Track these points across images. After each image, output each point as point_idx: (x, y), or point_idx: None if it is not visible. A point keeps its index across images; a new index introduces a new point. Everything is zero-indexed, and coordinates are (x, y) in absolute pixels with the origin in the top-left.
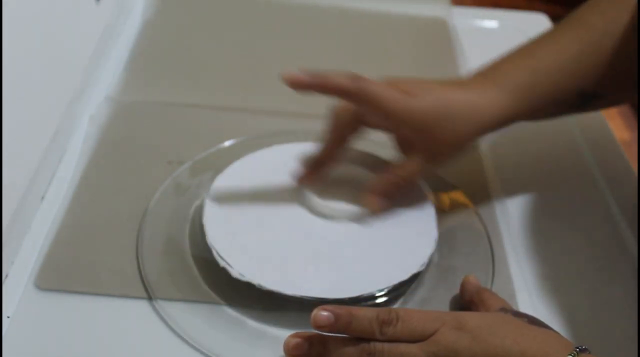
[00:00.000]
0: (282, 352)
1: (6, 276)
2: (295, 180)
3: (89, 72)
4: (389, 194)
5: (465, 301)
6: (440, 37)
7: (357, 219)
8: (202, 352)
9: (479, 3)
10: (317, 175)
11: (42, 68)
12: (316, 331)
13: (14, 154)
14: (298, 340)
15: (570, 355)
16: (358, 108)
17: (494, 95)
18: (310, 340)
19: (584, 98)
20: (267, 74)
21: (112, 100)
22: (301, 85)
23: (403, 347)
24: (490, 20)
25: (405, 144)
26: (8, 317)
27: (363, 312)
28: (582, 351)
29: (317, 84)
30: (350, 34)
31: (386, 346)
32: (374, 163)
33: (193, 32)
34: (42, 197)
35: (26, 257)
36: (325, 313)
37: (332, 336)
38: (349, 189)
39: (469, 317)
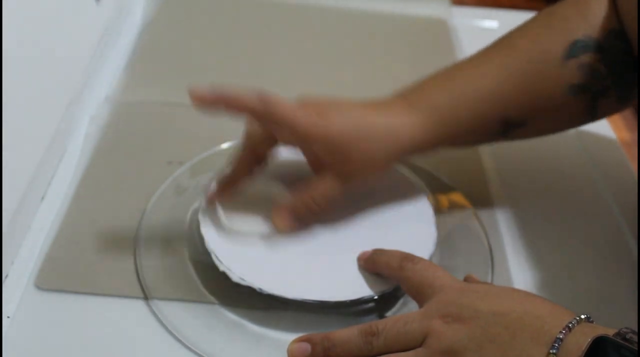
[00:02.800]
0: (281, 355)
1: (6, 276)
2: (205, 199)
3: (89, 72)
4: (299, 215)
5: None
6: (440, 37)
7: (266, 237)
8: (201, 355)
9: (479, 3)
10: (228, 193)
11: (42, 68)
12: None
13: (14, 154)
14: (300, 343)
15: (575, 319)
16: (266, 127)
17: (413, 119)
18: (311, 339)
19: (507, 126)
20: (267, 74)
21: (112, 100)
22: (205, 101)
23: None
24: (490, 20)
25: (316, 163)
26: (8, 317)
27: (341, 334)
28: (587, 319)
29: (222, 102)
30: (350, 34)
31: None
32: (295, 177)
33: (193, 32)
34: (42, 197)
35: (26, 257)
36: (300, 344)
37: (333, 331)
38: (264, 205)
39: (466, 295)
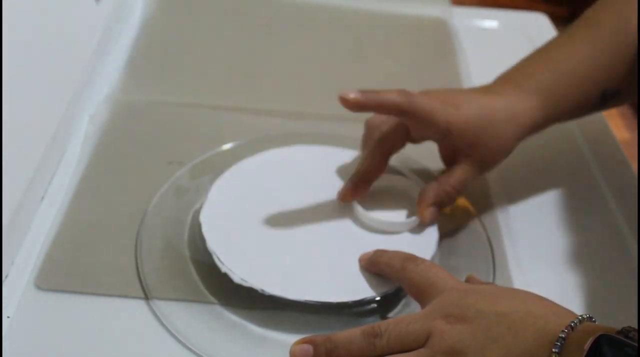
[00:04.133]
0: (282, 356)
1: (6, 276)
2: (339, 197)
3: (89, 72)
4: (441, 204)
5: None
6: (440, 37)
7: (408, 230)
8: (201, 356)
9: (479, 3)
10: (361, 191)
11: (42, 68)
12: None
13: (14, 154)
14: (302, 345)
15: (577, 319)
16: (407, 122)
17: (526, 100)
18: (313, 341)
19: (605, 97)
20: (267, 74)
21: (112, 100)
22: (357, 105)
23: None
24: (490, 20)
25: (450, 154)
26: (8, 317)
27: (343, 335)
28: (589, 319)
29: (373, 103)
30: (350, 34)
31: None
32: (413, 172)
33: (193, 31)
34: (42, 197)
35: (26, 257)
36: (302, 346)
37: (335, 332)
38: (394, 199)
39: (469, 296)
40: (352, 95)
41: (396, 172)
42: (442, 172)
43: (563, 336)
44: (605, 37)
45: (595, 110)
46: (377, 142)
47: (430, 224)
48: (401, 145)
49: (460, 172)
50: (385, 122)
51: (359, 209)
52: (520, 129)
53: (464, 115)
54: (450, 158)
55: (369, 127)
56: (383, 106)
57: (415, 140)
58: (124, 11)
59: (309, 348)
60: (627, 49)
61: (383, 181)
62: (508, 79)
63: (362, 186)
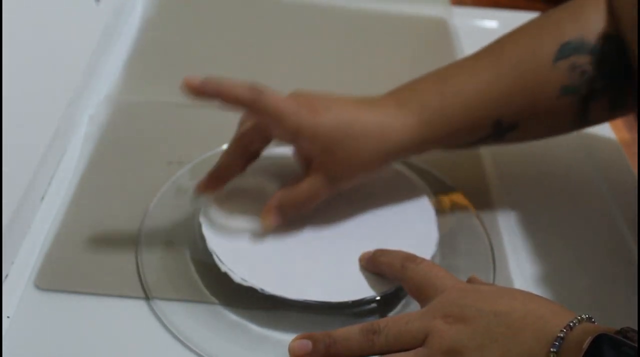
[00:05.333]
0: (282, 355)
1: (6, 276)
2: (194, 190)
3: (89, 72)
4: (285, 212)
5: None
6: (440, 37)
7: (254, 232)
8: (202, 356)
9: (479, 3)
10: (214, 187)
11: (42, 68)
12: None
13: (14, 154)
14: (301, 341)
15: (577, 319)
16: (257, 120)
17: (402, 118)
18: (313, 337)
19: (499, 128)
20: (267, 74)
21: (112, 100)
22: (198, 91)
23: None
24: (490, 20)
25: (303, 161)
26: (8, 317)
27: (342, 331)
28: (588, 319)
29: (212, 91)
30: (351, 34)
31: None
32: (286, 173)
33: (193, 31)
34: (42, 197)
35: (26, 257)
36: (301, 341)
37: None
38: (253, 200)
39: (468, 296)
40: (195, 81)
41: None
42: (294, 179)
43: (562, 335)
44: (505, 66)
45: (491, 142)
46: (234, 140)
47: (270, 230)
48: (261, 144)
49: (308, 183)
50: (249, 120)
51: (207, 206)
52: (386, 149)
53: (319, 122)
54: (305, 165)
55: (239, 124)
56: (225, 97)
57: (278, 140)
58: (124, 11)
59: (307, 343)
60: (528, 82)
61: (252, 181)
62: (393, 95)
63: (215, 183)
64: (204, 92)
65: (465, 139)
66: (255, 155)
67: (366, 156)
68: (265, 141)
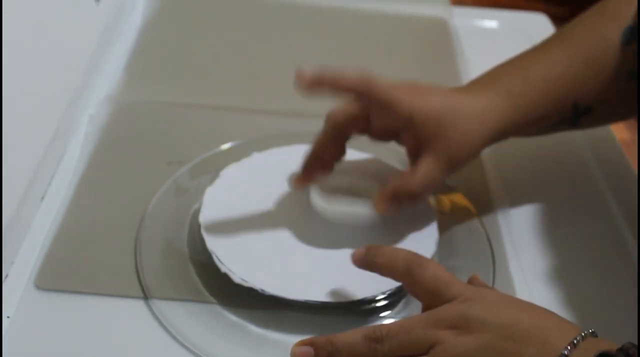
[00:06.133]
0: (282, 356)
1: (6, 276)
2: (290, 182)
3: (89, 72)
4: (400, 200)
5: None
6: (440, 37)
7: (360, 222)
8: (200, 356)
9: (479, 3)
10: (314, 173)
11: (42, 68)
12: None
13: (14, 154)
14: (303, 347)
15: (580, 335)
16: (369, 108)
17: (494, 102)
18: (314, 344)
19: (576, 111)
20: (267, 74)
21: (112, 100)
22: (309, 83)
23: None
24: (490, 20)
25: (414, 147)
26: (8, 317)
27: (345, 338)
28: (592, 334)
29: (328, 82)
30: (351, 34)
31: None
32: (384, 171)
33: (193, 32)
34: (42, 197)
35: (26, 257)
36: (303, 348)
37: (336, 334)
38: (355, 194)
39: (474, 306)
40: (307, 75)
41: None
42: (408, 169)
43: (566, 352)
44: (578, 50)
45: (567, 126)
46: (331, 122)
47: (385, 216)
48: (359, 130)
49: (424, 168)
50: (344, 110)
51: (316, 199)
52: (485, 129)
53: (429, 105)
54: (414, 152)
55: (326, 118)
56: (337, 86)
57: (377, 134)
58: (124, 11)
59: (309, 350)
60: (601, 67)
61: (350, 178)
62: (478, 82)
63: (314, 168)
64: (318, 84)
65: (547, 123)
66: (345, 142)
67: (471, 136)
68: (361, 130)
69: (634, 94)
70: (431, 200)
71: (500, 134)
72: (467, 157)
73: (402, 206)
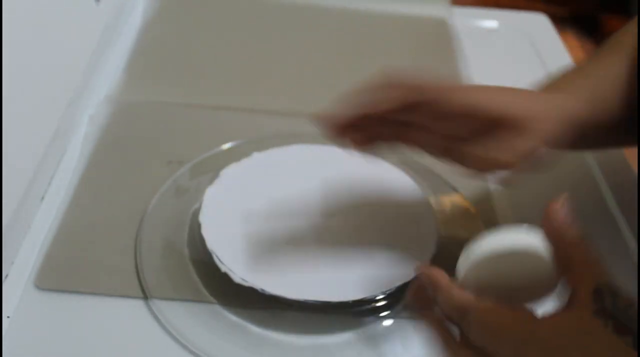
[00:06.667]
0: (282, 356)
1: (6, 276)
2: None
3: (89, 72)
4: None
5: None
6: (440, 37)
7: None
8: (200, 356)
9: (479, 3)
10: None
11: (42, 68)
12: None
13: (14, 154)
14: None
15: None
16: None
17: (565, 95)
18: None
19: (634, 120)
20: (267, 74)
21: (112, 100)
22: (340, 131)
23: None
24: (490, 20)
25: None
26: (8, 317)
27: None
28: None
29: (363, 118)
30: (350, 34)
31: None
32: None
33: (193, 32)
34: (42, 197)
35: (26, 257)
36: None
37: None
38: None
39: (560, 337)
40: (331, 121)
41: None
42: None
43: None
44: (629, 56)
45: (623, 135)
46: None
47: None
48: (394, 115)
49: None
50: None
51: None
52: (559, 118)
53: (490, 97)
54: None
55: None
56: (382, 109)
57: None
58: (124, 11)
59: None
60: None
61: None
62: (542, 87)
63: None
64: (345, 129)
65: (617, 121)
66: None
67: (545, 123)
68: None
69: None
70: (431, 200)
71: (578, 126)
72: (540, 143)
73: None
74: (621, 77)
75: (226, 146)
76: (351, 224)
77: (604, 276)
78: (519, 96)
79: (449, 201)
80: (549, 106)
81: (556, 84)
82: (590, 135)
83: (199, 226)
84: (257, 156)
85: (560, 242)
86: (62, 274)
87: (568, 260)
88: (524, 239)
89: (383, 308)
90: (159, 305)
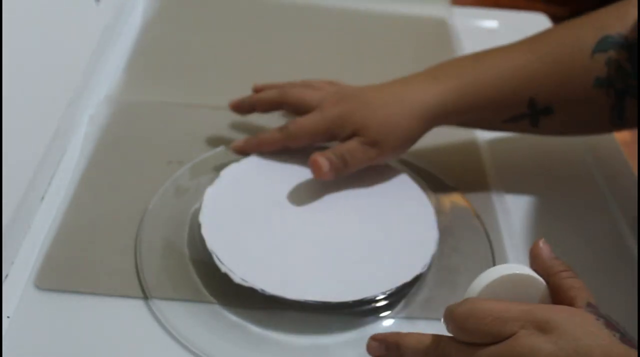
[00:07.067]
0: (282, 356)
1: (6, 276)
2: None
3: (89, 72)
4: (333, 165)
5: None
6: (440, 37)
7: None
8: (200, 356)
9: (479, 3)
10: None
11: (42, 68)
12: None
13: (14, 154)
14: (373, 343)
15: None
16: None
17: (437, 84)
18: (386, 341)
19: (533, 109)
20: (267, 74)
21: (112, 100)
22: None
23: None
24: (490, 20)
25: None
26: (8, 317)
27: (413, 344)
28: None
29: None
30: (350, 34)
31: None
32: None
33: (193, 32)
34: (42, 197)
35: (26, 257)
36: (373, 343)
37: (404, 334)
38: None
39: (557, 314)
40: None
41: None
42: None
43: None
44: (542, 50)
45: (527, 125)
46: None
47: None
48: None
49: (352, 143)
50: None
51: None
52: (417, 110)
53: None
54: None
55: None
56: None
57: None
58: (124, 11)
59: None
60: (563, 67)
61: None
62: (426, 70)
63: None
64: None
65: (503, 114)
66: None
67: (395, 120)
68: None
69: (603, 101)
70: (431, 199)
71: (441, 116)
72: (395, 141)
73: (336, 173)
74: (516, 66)
75: (226, 146)
76: (351, 224)
77: (592, 299)
78: (379, 114)
79: (449, 200)
80: (403, 124)
81: (447, 64)
82: (452, 118)
83: (199, 226)
84: (257, 156)
85: (550, 274)
86: (62, 274)
87: (558, 288)
88: (522, 268)
89: (383, 308)
90: (159, 305)
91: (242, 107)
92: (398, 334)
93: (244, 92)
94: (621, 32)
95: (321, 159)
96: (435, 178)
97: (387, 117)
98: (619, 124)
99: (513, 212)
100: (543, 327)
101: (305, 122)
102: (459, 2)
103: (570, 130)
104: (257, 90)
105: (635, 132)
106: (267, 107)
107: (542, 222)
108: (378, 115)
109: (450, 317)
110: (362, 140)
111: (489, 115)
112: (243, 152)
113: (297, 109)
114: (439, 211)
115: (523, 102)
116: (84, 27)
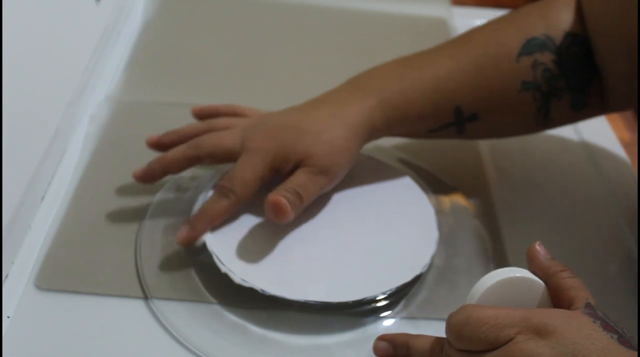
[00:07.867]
0: (282, 356)
1: (6, 276)
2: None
3: (89, 72)
4: (291, 202)
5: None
6: (440, 37)
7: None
8: (200, 356)
9: (479, 3)
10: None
11: (42, 68)
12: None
13: (14, 154)
14: (381, 343)
15: None
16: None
17: (361, 100)
18: (394, 341)
19: (460, 117)
20: (267, 74)
21: (112, 100)
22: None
23: None
24: None
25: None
26: (8, 317)
27: (420, 346)
28: None
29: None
30: (351, 34)
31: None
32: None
33: (193, 32)
34: (42, 197)
35: (26, 257)
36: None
37: (414, 335)
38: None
39: (553, 318)
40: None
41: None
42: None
43: None
44: (470, 56)
45: (453, 134)
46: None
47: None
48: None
49: (299, 176)
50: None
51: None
52: (350, 131)
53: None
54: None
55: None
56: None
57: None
58: (124, 11)
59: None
60: (489, 74)
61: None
62: (351, 82)
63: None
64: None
65: (429, 124)
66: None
67: (339, 144)
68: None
69: (529, 105)
70: (431, 200)
71: (371, 133)
72: (336, 162)
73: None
74: (440, 76)
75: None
76: (351, 224)
77: (591, 298)
78: (322, 141)
79: (449, 200)
80: (347, 146)
81: (368, 77)
82: (382, 133)
83: None
84: None
85: (548, 275)
86: (62, 274)
87: (557, 288)
88: (519, 271)
89: (383, 308)
90: (159, 305)
91: (152, 175)
92: (407, 334)
93: (243, 91)
94: (546, 33)
95: (281, 199)
96: (435, 178)
97: (330, 142)
98: (544, 125)
99: (513, 212)
100: (540, 332)
101: (245, 174)
102: (459, 2)
103: (496, 134)
104: (159, 145)
105: (635, 132)
106: (183, 165)
107: (542, 222)
108: (321, 142)
109: (447, 326)
110: (310, 170)
111: (415, 127)
112: (194, 240)
113: (216, 158)
114: (439, 211)
115: (449, 113)
116: (84, 27)
